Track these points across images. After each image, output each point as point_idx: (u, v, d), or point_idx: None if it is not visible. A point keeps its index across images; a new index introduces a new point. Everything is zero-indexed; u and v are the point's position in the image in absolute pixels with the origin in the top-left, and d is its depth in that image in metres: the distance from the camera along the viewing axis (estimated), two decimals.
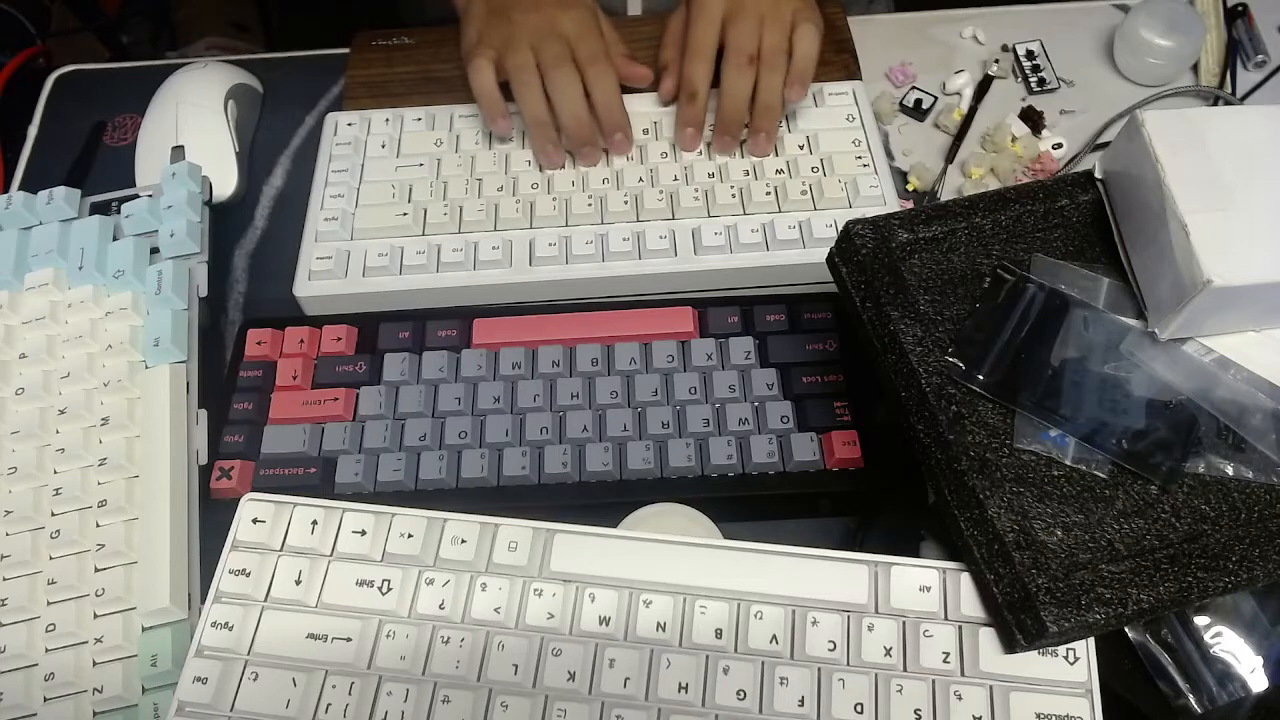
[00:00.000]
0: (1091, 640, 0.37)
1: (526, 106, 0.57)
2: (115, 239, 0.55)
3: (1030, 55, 0.67)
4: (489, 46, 0.58)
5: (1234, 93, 0.65)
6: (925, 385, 0.39)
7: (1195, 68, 0.66)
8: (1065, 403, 0.39)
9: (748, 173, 0.58)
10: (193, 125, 0.61)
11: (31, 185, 0.61)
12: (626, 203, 0.57)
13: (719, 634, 0.38)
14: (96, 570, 0.45)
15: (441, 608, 0.39)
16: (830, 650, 0.38)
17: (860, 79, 0.63)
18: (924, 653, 0.37)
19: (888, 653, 0.38)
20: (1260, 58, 0.66)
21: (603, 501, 0.47)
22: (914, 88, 0.66)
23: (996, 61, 0.66)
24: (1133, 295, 0.41)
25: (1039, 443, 0.38)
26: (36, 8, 1.10)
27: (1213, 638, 0.39)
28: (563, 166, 0.59)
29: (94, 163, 0.65)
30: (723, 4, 0.58)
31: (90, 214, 0.56)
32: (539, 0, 0.58)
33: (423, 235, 0.57)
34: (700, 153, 0.59)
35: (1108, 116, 0.63)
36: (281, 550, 0.41)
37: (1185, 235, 0.37)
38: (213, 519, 0.46)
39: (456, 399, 0.50)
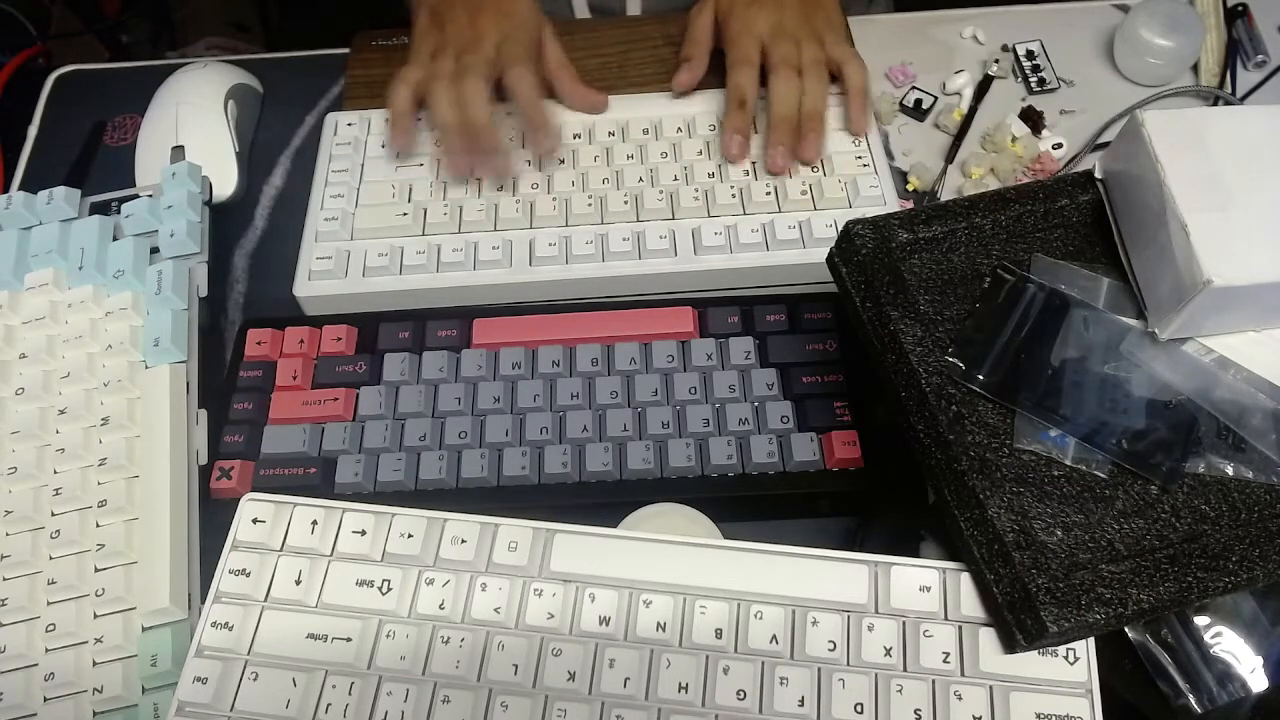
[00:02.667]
0: (1091, 640, 0.37)
1: (433, 112, 0.57)
2: (115, 239, 0.55)
3: (1030, 55, 0.67)
4: (417, 64, 0.58)
5: (1234, 93, 0.65)
6: (925, 385, 0.39)
7: (1195, 68, 0.66)
8: (1065, 403, 0.39)
9: (747, 173, 0.58)
10: (193, 125, 0.61)
11: (31, 185, 0.61)
12: (626, 203, 0.57)
13: (719, 634, 0.38)
14: (96, 570, 0.45)
15: (441, 608, 0.39)
16: (830, 650, 0.38)
17: None
18: (924, 653, 0.37)
19: (888, 653, 0.38)
20: (1260, 58, 0.66)
21: (603, 501, 0.47)
22: (914, 88, 0.66)
23: (996, 61, 0.66)
24: (1133, 295, 0.41)
25: (1039, 443, 0.38)
26: (36, 8, 1.10)
27: (1213, 638, 0.39)
28: (471, 176, 0.58)
29: (94, 163, 0.65)
30: (764, 24, 0.60)
31: (90, 214, 0.56)
32: (475, 12, 0.59)
33: (423, 235, 0.57)
34: (700, 152, 0.59)
35: (1108, 116, 0.63)
36: (281, 550, 0.41)
37: (1185, 235, 0.37)
38: (213, 519, 0.46)
39: (456, 399, 0.50)
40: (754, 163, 0.58)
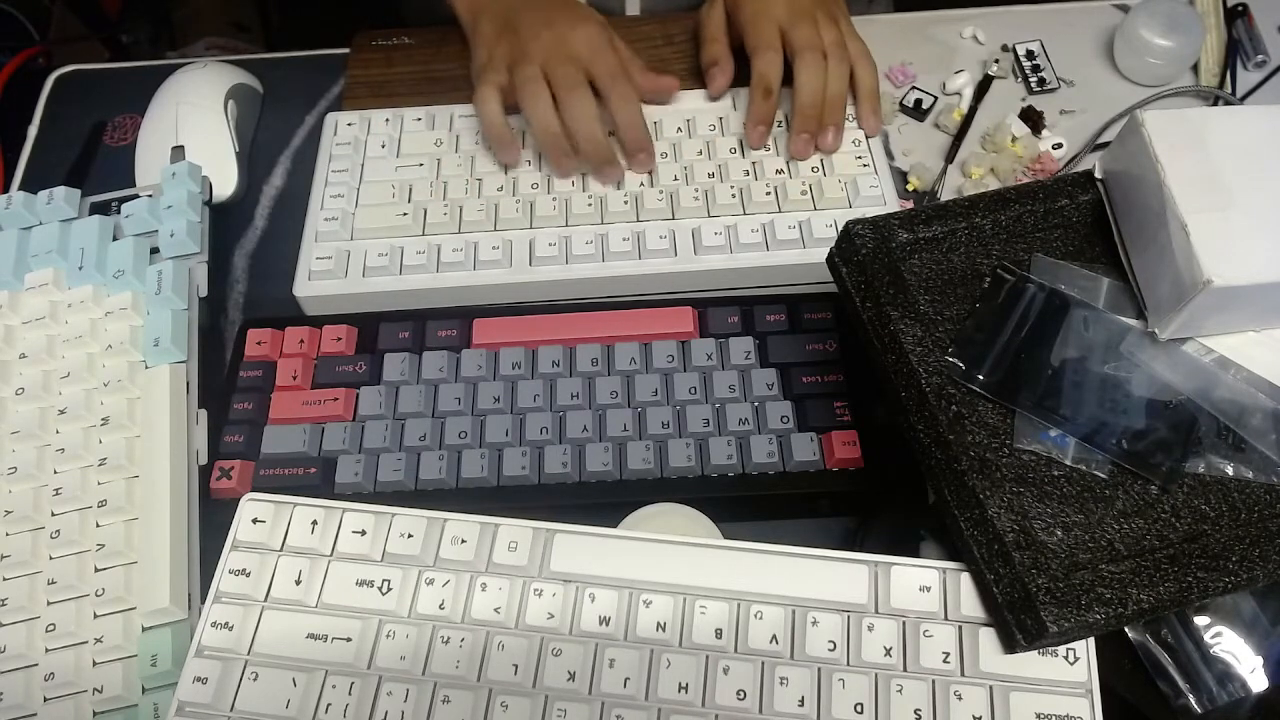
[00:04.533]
0: (1091, 640, 0.37)
1: (535, 119, 0.56)
2: (115, 239, 0.55)
3: (1030, 55, 0.67)
4: (496, 71, 0.57)
5: (1234, 93, 0.65)
6: (925, 385, 0.39)
7: (1195, 68, 0.66)
8: (1065, 403, 0.39)
9: (747, 173, 0.58)
10: (193, 125, 0.61)
11: (31, 185, 0.61)
12: (626, 203, 0.57)
13: (719, 634, 0.38)
14: (96, 570, 0.45)
15: (441, 608, 0.39)
16: (830, 650, 0.38)
17: None
18: (924, 653, 0.37)
19: (888, 653, 0.38)
20: (1260, 58, 0.66)
21: (603, 501, 0.47)
22: (914, 88, 0.66)
23: (996, 61, 0.66)
24: (1133, 295, 0.41)
25: (1039, 443, 0.38)
26: (37, 8, 1.10)
27: (1213, 638, 0.39)
28: (577, 178, 0.58)
29: (94, 163, 0.65)
30: (781, 8, 0.58)
31: (90, 214, 0.56)
32: (550, 18, 0.57)
33: (423, 235, 0.57)
34: (701, 153, 0.59)
35: (1108, 116, 0.63)
36: (281, 550, 0.41)
37: (1185, 235, 0.37)
38: (213, 519, 0.46)
39: (456, 399, 0.50)
40: (755, 163, 0.58)
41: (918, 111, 0.65)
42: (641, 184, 0.58)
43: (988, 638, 0.37)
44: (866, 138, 0.60)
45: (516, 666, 0.38)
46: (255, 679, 0.38)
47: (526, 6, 0.59)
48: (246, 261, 0.60)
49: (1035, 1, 0.70)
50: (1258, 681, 0.38)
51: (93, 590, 0.44)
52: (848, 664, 0.38)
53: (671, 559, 0.40)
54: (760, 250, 0.55)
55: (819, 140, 0.58)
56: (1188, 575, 0.35)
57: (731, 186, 0.57)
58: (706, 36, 0.62)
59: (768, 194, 0.57)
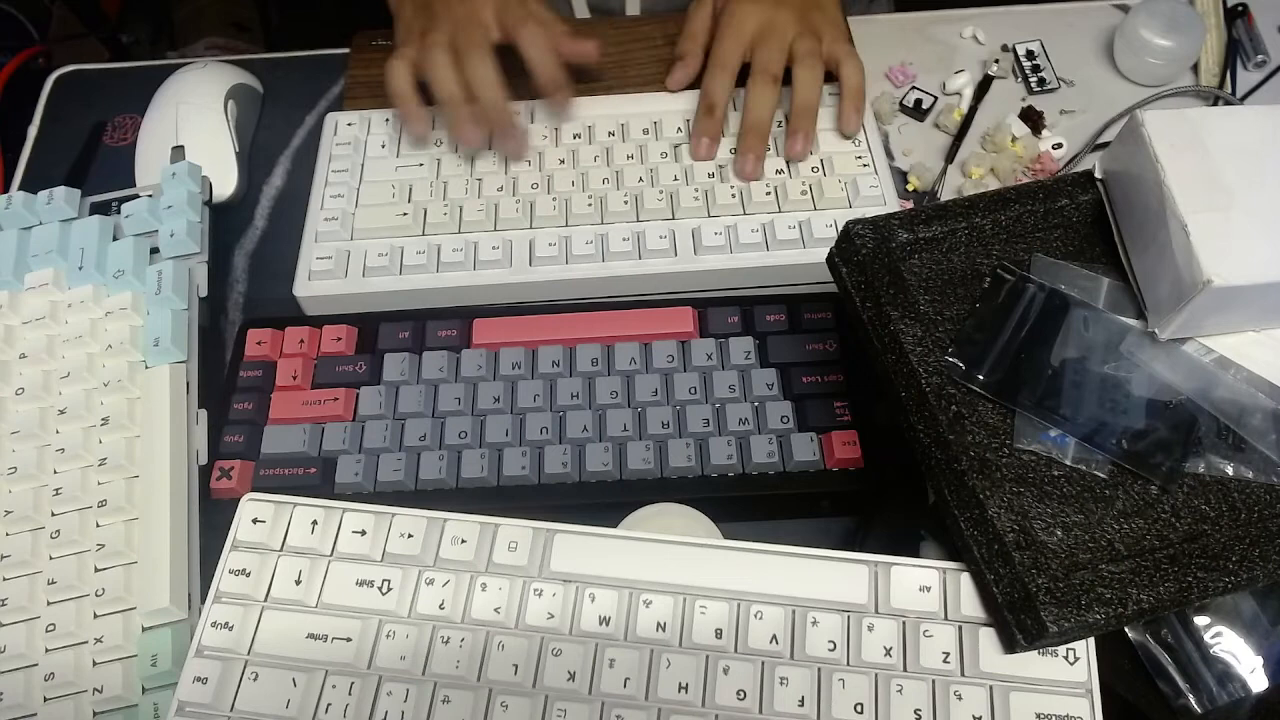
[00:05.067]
0: (1091, 640, 0.37)
1: (435, 83, 0.55)
2: (115, 239, 0.55)
3: (1030, 55, 0.67)
4: (409, 44, 0.57)
5: (1234, 93, 0.65)
6: (925, 385, 0.39)
7: (1195, 68, 0.66)
8: (1065, 403, 0.39)
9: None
10: (193, 125, 0.61)
11: (31, 185, 0.61)
12: (626, 203, 0.57)
13: (719, 634, 0.38)
14: (96, 570, 0.45)
15: (441, 608, 0.39)
16: (830, 650, 0.38)
17: None
18: (924, 653, 0.37)
19: (888, 653, 0.38)
20: (1260, 58, 0.66)
21: (603, 501, 0.47)
22: (914, 88, 0.66)
23: (996, 61, 0.66)
24: (1133, 295, 0.41)
25: (1039, 443, 0.38)
26: (37, 8, 1.10)
27: (1213, 638, 0.39)
28: (484, 146, 0.58)
29: (94, 163, 0.65)
30: (754, 24, 0.58)
31: (90, 214, 0.56)
32: None
33: (423, 235, 0.57)
34: None
35: (1108, 116, 0.63)
36: (281, 550, 0.41)
37: (1185, 235, 0.37)
38: (213, 519, 0.46)
39: (456, 399, 0.50)
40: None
41: (918, 111, 0.65)
42: (641, 180, 0.58)
43: (988, 638, 0.37)
44: (845, 136, 0.59)
45: (516, 666, 0.38)
46: (255, 679, 0.38)
47: None
48: (246, 261, 0.60)
49: (1035, 1, 0.70)
50: (1258, 681, 0.38)
51: (93, 590, 0.44)
52: (848, 664, 0.38)
53: (671, 559, 0.40)
54: (760, 250, 0.55)
55: (787, 148, 0.58)
56: (1188, 575, 0.35)
57: (731, 186, 0.57)
58: (685, 32, 0.62)
59: (768, 194, 0.57)
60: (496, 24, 0.57)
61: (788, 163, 0.58)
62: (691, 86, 0.62)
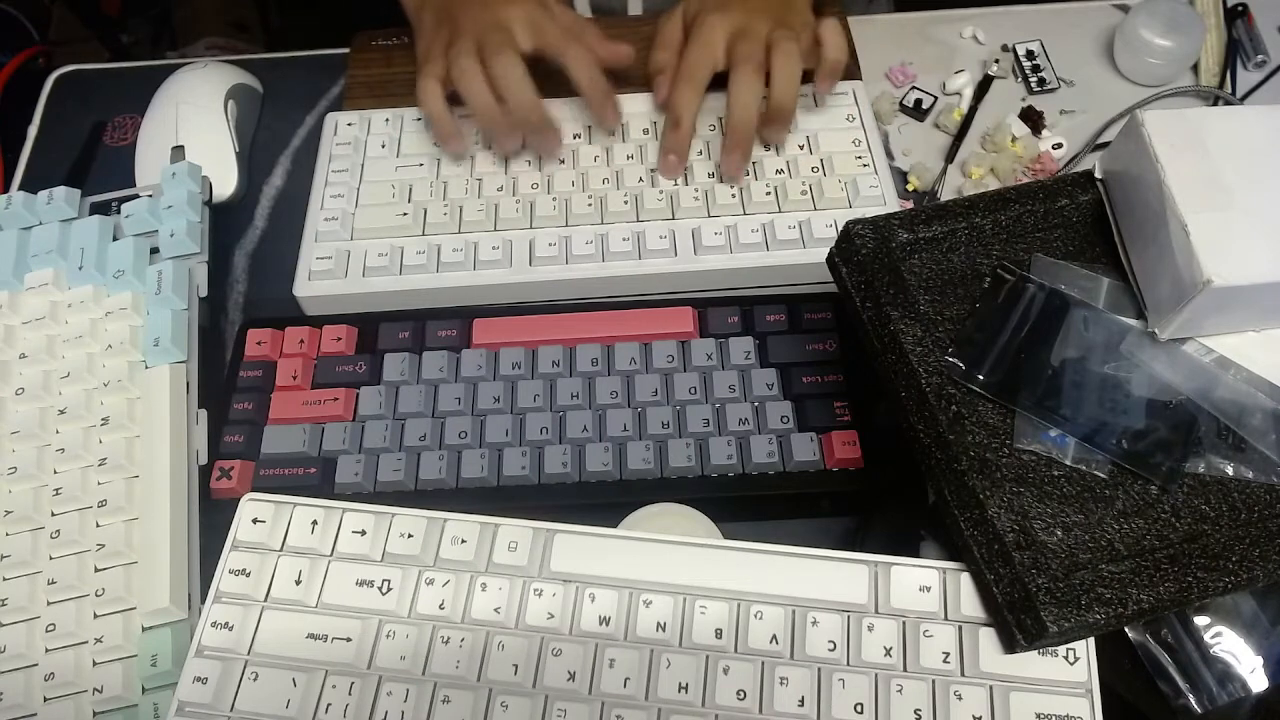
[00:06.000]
0: (1091, 640, 0.37)
1: (469, 96, 0.55)
2: (115, 239, 0.55)
3: (1030, 55, 0.67)
4: (435, 61, 0.57)
5: (1234, 93, 0.65)
6: (925, 385, 0.39)
7: (1195, 68, 0.66)
8: (1065, 403, 0.39)
9: (748, 173, 0.58)
10: (193, 125, 0.61)
11: (31, 185, 0.61)
12: (626, 203, 0.57)
13: (719, 634, 0.38)
14: (96, 570, 0.45)
15: (441, 608, 0.39)
16: (830, 650, 0.38)
17: (860, 79, 0.63)
18: (924, 653, 0.37)
19: (888, 653, 0.38)
20: (1260, 58, 0.66)
21: (603, 501, 0.47)
22: (914, 88, 0.66)
23: (996, 61, 0.66)
24: (1133, 295, 0.41)
25: (1039, 443, 0.38)
26: (37, 8, 1.10)
27: (1213, 638, 0.39)
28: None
29: (94, 163, 0.65)
30: (726, 29, 0.56)
31: (90, 214, 0.56)
32: (486, 0, 0.57)
33: (423, 235, 0.57)
34: (701, 153, 0.59)
35: (1108, 116, 0.63)
36: (281, 550, 0.41)
37: (1185, 235, 0.37)
38: (213, 519, 0.46)
39: (456, 399, 0.50)
40: (755, 163, 0.58)
41: (918, 111, 0.65)
42: (641, 180, 0.58)
43: (988, 638, 0.37)
44: (817, 98, 0.59)
45: (516, 666, 0.38)
46: (255, 679, 0.38)
47: None
48: (246, 261, 0.60)
49: (1035, 1, 0.71)
50: (1258, 681, 0.38)
51: (93, 590, 0.44)
52: (848, 664, 0.38)
53: (671, 559, 0.40)
54: (760, 250, 0.55)
55: (765, 131, 0.57)
56: (1188, 575, 0.35)
57: (731, 186, 0.57)
58: (657, 43, 0.61)
59: (768, 194, 0.57)
60: (530, 38, 0.56)
61: (788, 162, 0.58)
62: None
